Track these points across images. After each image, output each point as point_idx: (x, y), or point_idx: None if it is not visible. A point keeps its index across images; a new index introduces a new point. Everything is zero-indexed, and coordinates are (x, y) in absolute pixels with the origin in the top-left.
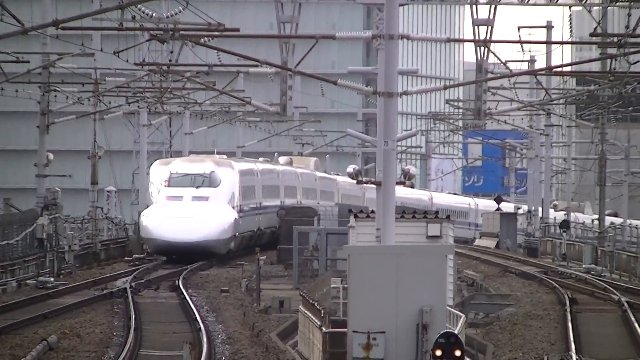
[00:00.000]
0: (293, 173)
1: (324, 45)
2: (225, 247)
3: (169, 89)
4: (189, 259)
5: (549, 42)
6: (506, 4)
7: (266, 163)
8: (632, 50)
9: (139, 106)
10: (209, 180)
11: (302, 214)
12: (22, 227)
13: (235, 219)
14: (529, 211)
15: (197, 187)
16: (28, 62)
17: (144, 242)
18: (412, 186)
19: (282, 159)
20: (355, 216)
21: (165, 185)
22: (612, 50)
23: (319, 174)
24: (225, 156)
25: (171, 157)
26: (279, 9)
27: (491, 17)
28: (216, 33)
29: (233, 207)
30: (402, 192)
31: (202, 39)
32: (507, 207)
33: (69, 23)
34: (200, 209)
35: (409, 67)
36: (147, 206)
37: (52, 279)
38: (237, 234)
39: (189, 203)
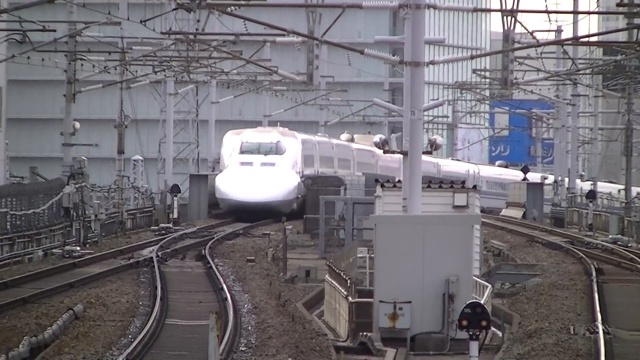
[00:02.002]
0: (347, 147)
1: (351, 15)
2: (289, 207)
3: (195, 58)
4: (257, 216)
5: (575, 12)
6: None
7: (323, 137)
8: None
9: (165, 75)
10: (276, 149)
11: (328, 183)
12: (49, 196)
13: (298, 182)
14: (555, 181)
15: (265, 154)
16: (54, 30)
17: (218, 202)
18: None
19: (343, 136)
20: (382, 186)
21: (237, 153)
22: (638, 20)
23: (377, 150)
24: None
25: (198, 125)
26: None
27: None
28: (243, 2)
29: (296, 173)
30: (450, 166)
31: (228, 8)
32: (534, 177)
33: None
34: (267, 174)
35: (435, 37)
36: (221, 171)
37: (78, 248)
38: (299, 196)
39: (258, 168)
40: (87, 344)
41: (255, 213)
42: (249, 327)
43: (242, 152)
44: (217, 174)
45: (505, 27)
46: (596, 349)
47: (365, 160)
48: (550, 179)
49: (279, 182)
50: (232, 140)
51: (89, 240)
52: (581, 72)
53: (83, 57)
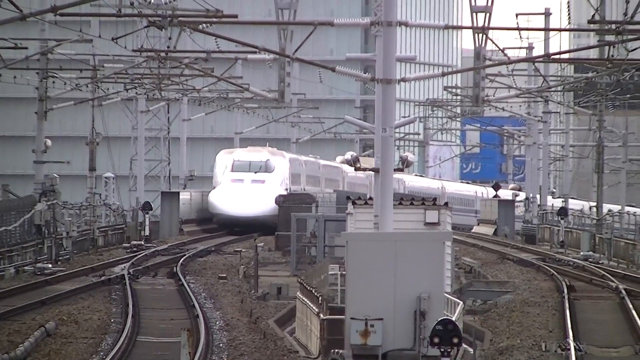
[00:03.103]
0: (335, 167)
1: (322, 32)
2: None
3: (167, 76)
4: (247, 230)
5: (547, 29)
6: None
7: (310, 157)
8: (630, 37)
9: (137, 92)
10: (265, 167)
11: (300, 200)
12: (20, 214)
13: None
14: (526, 198)
15: (256, 172)
16: (26, 48)
17: (212, 216)
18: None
19: (339, 158)
20: (354, 203)
21: (230, 170)
22: (610, 37)
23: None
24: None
25: (169, 143)
26: None
27: (489, 4)
28: (214, 19)
29: (285, 189)
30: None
31: (200, 26)
32: (505, 194)
33: (68, 9)
34: (257, 190)
35: (407, 54)
36: (214, 188)
37: (50, 266)
38: None
39: (248, 185)
40: None
41: (246, 226)
42: (221, 344)
43: (233, 170)
44: (208, 191)
45: (477, 45)
46: None
47: (333, 176)
48: (522, 195)
49: (268, 198)
50: (224, 159)
51: (60, 258)
52: (552, 89)
53: (55, 75)
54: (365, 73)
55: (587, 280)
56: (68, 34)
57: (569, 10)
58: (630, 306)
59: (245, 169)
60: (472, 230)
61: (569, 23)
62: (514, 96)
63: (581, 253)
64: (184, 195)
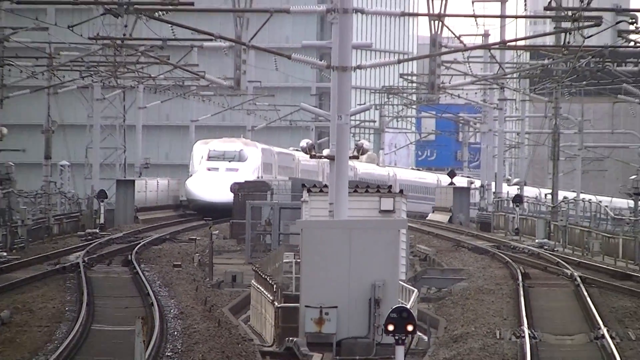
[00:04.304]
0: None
1: (278, 20)
2: None
3: (122, 63)
4: (221, 215)
5: (503, 16)
6: None
7: (282, 149)
8: (586, 24)
9: (92, 80)
10: (239, 156)
11: (255, 188)
12: None
13: None
14: (482, 185)
15: (230, 161)
16: None
17: (188, 202)
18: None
19: (325, 152)
20: (309, 190)
21: (205, 159)
22: (566, 24)
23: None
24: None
25: (125, 131)
26: None
27: None
28: (170, 7)
29: (257, 177)
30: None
31: (156, 13)
32: (461, 181)
33: None
34: (231, 178)
35: (363, 41)
36: (191, 175)
37: (4, 254)
38: None
39: (223, 173)
40: (14, 349)
41: (220, 212)
42: (175, 333)
43: (209, 159)
44: (186, 178)
45: (433, 32)
46: (522, 354)
47: (286, 164)
48: (477, 183)
49: None
50: (200, 149)
51: (15, 246)
52: (508, 76)
53: (11, 63)
54: (321, 60)
55: (541, 267)
56: (24, 21)
57: None
58: (585, 293)
59: (220, 158)
60: (427, 218)
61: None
62: (470, 83)
63: (536, 240)
64: (162, 183)
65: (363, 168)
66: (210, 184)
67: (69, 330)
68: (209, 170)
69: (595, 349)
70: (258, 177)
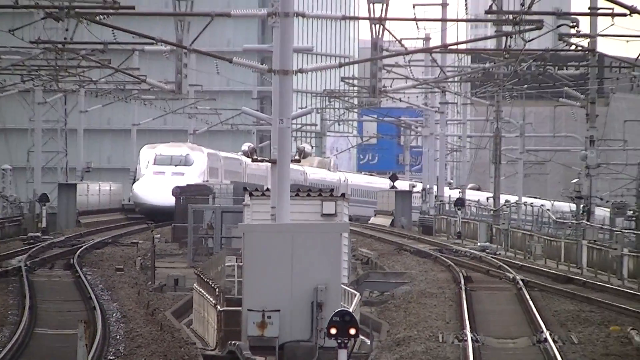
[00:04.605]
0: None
1: (220, 23)
2: None
3: (64, 67)
4: (167, 218)
5: (444, 20)
6: None
7: (230, 153)
8: (527, 27)
9: (34, 84)
10: (185, 161)
11: (197, 192)
12: None
13: None
14: (423, 189)
15: (176, 166)
16: None
17: (135, 205)
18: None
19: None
20: (251, 194)
21: (152, 164)
22: (507, 28)
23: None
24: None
25: (66, 135)
26: None
27: None
28: (111, 11)
29: (203, 181)
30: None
31: (97, 17)
32: (403, 185)
33: None
34: (177, 182)
35: (304, 45)
36: (137, 179)
37: None
38: None
39: (169, 177)
40: None
41: (165, 215)
42: (118, 336)
43: (155, 163)
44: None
45: (374, 35)
46: (465, 357)
47: (233, 168)
48: (419, 187)
49: None
50: (147, 153)
51: None
52: (449, 79)
53: None
54: (262, 64)
55: (484, 271)
56: None
57: (466, 0)
58: (527, 297)
59: (167, 163)
60: (369, 222)
61: (466, 14)
62: (411, 87)
63: (478, 244)
64: (104, 187)
65: (313, 173)
66: (156, 187)
67: (11, 334)
68: (155, 174)
69: (538, 352)
70: (204, 181)
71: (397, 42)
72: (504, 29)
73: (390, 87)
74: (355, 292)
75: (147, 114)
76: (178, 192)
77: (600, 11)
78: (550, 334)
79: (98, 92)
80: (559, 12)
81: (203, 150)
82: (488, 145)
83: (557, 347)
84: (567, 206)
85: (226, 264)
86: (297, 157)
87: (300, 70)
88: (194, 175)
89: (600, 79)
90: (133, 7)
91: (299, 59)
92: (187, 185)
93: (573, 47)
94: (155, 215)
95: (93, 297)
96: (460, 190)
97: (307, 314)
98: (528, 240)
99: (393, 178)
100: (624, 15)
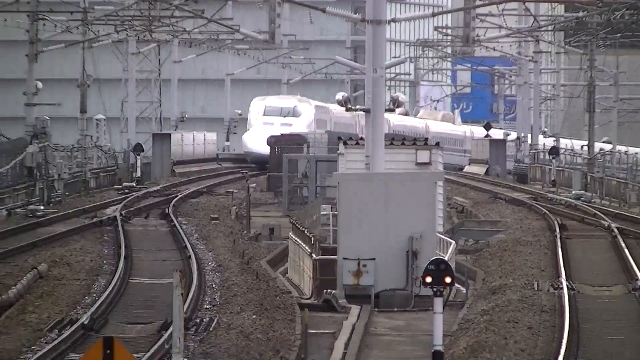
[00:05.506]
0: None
1: None
2: None
3: (157, 17)
4: None
5: None
6: None
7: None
8: None
9: (127, 34)
10: (293, 112)
11: (291, 141)
12: (12, 156)
13: None
14: (518, 138)
15: (284, 117)
16: None
17: (245, 155)
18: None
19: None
20: (345, 143)
21: (262, 115)
22: None
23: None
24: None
25: (160, 85)
26: None
27: None
28: None
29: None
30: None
31: None
32: (497, 133)
33: None
34: (285, 132)
35: None
36: (248, 130)
37: (42, 208)
38: None
39: (278, 127)
40: (52, 303)
41: None
42: (213, 285)
43: (265, 114)
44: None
45: None
46: (560, 305)
47: (343, 121)
48: (512, 135)
49: None
50: (257, 105)
51: (52, 200)
52: (543, 28)
53: (45, 17)
54: (355, 14)
55: (579, 219)
56: None
57: None
58: (623, 245)
59: (276, 114)
60: (464, 170)
61: None
62: (505, 36)
63: (573, 192)
64: (199, 136)
65: (397, 120)
66: (265, 137)
67: (107, 283)
68: (264, 124)
69: (634, 300)
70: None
71: None
72: None
73: (484, 36)
74: (451, 240)
75: (240, 64)
76: (272, 141)
77: None
78: None
79: (192, 42)
80: None
81: (310, 103)
82: (582, 94)
83: None
84: None
85: (321, 213)
86: (390, 106)
87: (394, 20)
88: (301, 126)
89: None
90: None
91: (392, 9)
92: (281, 134)
93: None
94: (265, 165)
95: (188, 246)
96: (554, 138)
97: (402, 262)
98: (623, 188)
99: (487, 127)
100: None
